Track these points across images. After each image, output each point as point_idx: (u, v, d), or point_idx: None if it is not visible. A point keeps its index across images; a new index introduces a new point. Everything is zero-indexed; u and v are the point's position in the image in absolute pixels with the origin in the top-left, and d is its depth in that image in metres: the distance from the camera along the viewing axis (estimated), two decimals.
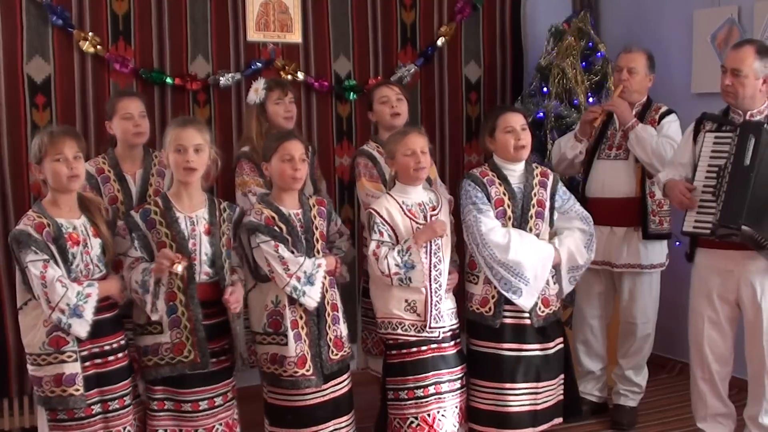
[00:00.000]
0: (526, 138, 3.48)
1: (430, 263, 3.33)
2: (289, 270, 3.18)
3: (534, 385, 3.48)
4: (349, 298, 3.74)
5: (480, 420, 3.51)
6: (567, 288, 3.60)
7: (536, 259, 3.42)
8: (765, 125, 3.37)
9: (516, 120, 3.49)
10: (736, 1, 4.42)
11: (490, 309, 3.47)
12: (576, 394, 3.74)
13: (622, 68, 4.01)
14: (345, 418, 3.39)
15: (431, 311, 3.34)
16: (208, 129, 3.26)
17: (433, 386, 3.38)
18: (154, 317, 3.10)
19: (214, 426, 3.21)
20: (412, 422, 3.37)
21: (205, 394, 3.18)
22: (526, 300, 3.42)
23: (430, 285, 3.34)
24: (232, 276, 3.24)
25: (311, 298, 3.22)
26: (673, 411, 4.21)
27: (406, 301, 3.36)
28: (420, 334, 3.36)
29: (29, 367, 3.02)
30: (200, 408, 3.17)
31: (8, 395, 4.03)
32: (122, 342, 3.12)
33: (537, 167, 3.61)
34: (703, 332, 3.57)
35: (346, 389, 3.40)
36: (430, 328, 3.35)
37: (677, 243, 4.09)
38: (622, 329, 4.17)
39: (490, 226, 3.40)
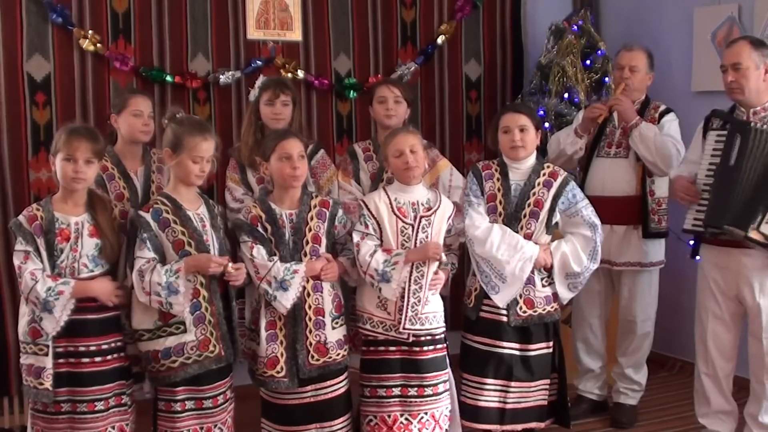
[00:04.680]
0: (524, 139, 3.46)
1: (413, 264, 3.32)
2: (258, 273, 3.19)
3: (504, 382, 3.47)
4: (349, 298, 3.73)
5: (461, 412, 3.52)
6: (566, 294, 3.54)
7: (515, 258, 3.39)
8: (752, 124, 3.37)
9: (513, 120, 3.48)
10: None
11: (471, 301, 3.51)
12: (564, 403, 3.65)
13: (623, 66, 4.01)
14: (334, 422, 3.34)
15: (407, 312, 3.32)
16: (215, 131, 3.27)
17: (399, 389, 3.36)
18: (184, 316, 3.07)
19: (226, 420, 3.23)
20: (371, 420, 3.38)
21: (221, 388, 3.20)
22: (501, 297, 3.43)
23: (410, 286, 3.32)
24: None
25: (281, 303, 3.20)
26: (673, 409, 4.22)
27: (379, 297, 3.36)
28: (388, 333, 3.35)
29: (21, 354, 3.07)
30: (219, 403, 3.19)
31: (8, 393, 4.03)
32: (109, 345, 3.08)
33: (548, 167, 3.56)
34: (708, 327, 3.59)
35: (332, 395, 3.34)
36: (404, 328, 3.32)
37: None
38: (622, 327, 4.17)
39: (473, 219, 3.44)
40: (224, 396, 3.22)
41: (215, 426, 3.19)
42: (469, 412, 3.50)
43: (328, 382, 3.33)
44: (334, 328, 3.33)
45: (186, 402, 3.14)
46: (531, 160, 3.52)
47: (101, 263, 3.07)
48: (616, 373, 4.20)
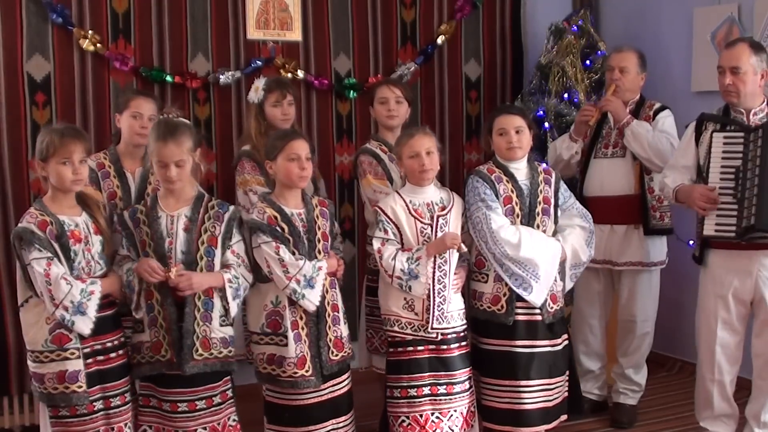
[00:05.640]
0: (520, 140, 3.48)
1: (435, 264, 3.34)
2: (288, 273, 3.18)
3: (547, 381, 3.47)
4: (349, 297, 3.74)
5: (495, 419, 3.50)
6: (568, 285, 3.61)
7: (546, 256, 3.42)
8: None
9: (509, 122, 3.49)
10: None
11: (502, 307, 3.45)
12: (578, 391, 3.73)
13: (613, 68, 4.04)
14: (343, 418, 3.38)
15: (434, 311, 3.34)
16: (189, 135, 3.13)
17: (429, 387, 3.38)
18: (138, 315, 3.12)
19: (196, 429, 3.14)
20: (403, 421, 3.39)
21: (184, 396, 3.13)
22: (536, 296, 3.42)
23: (434, 285, 3.34)
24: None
25: (310, 301, 3.21)
26: (673, 409, 4.22)
27: (405, 299, 3.37)
28: (417, 333, 3.36)
29: (30, 364, 3.02)
30: (179, 409, 3.13)
31: (8, 393, 4.03)
32: (121, 339, 3.14)
33: (539, 165, 3.61)
34: (716, 333, 3.54)
35: (345, 389, 3.39)
36: (432, 328, 3.34)
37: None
38: (622, 327, 4.17)
39: (500, 224, 3.40)
40: (189, 405, 3.13)
41: (176, 431, 3.16)
42: (508, 416, 3.46)
43: (342, 377, 3.37)
44: (345, 323, 3.39)
45: (150, 399, 3.18)
46: (525, 159, 3.55)
47: (105, 259, 3.10)
48: (616, 374, 4.20)
